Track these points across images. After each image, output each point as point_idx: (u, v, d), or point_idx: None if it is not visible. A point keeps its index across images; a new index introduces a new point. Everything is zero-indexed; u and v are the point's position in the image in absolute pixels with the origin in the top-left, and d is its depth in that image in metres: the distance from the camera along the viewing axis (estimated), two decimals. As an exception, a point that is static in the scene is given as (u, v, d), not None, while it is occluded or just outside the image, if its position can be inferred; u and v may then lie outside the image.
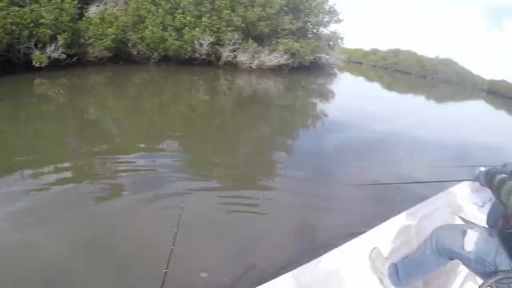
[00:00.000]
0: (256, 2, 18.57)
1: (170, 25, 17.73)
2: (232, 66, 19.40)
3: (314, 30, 23.37)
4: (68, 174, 5.87)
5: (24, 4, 15.92)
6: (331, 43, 24.25)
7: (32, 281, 3.35)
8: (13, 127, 8.60)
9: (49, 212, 4.38)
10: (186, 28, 17.65)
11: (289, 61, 20.24)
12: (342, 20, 23.44)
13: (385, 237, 3.01)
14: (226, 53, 18.73)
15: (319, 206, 5.12)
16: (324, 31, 24.00)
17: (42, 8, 15.91)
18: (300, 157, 7.64)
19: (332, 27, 24.01)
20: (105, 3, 18.20)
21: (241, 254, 3.86)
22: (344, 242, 2.78)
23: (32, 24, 15.43)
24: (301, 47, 20.36)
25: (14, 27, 14.73)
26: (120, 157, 6.58)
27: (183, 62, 18.78)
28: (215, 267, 3.63)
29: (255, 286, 2.20)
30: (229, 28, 18.43)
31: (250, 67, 19.37)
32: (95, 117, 10.53)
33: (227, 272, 3.55)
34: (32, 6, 15.77)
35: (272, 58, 19.51)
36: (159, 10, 17.44)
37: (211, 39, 17.93)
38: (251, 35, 19.61)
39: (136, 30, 17.60)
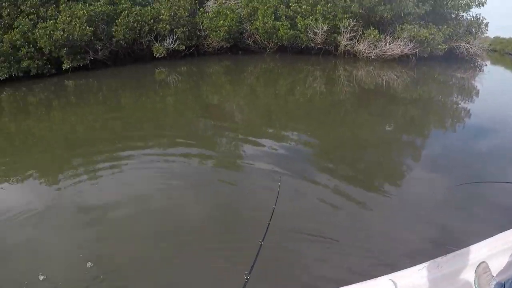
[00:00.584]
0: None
1: (283, 14, 16.92)
2: (351, 56, 17.74)
3: (453, 15, 20.14)
4: (194, 148, 7.11)
5: (146, 3, 16.76)
6: (473, 30, 20.60)
7: (182, 229, 4.35)
8: (140, 106, 10.57)
9: (180, 177, 5.70)
10: (298, 17, 16.63)
11: (415, 50, 17.70)
12: (484, 3, 19.86)
13: (495, 251, 2.72)
14: (343, 42, 17.14)
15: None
16: (465, 16, 20.57)
17: (162, 6, 16.53)
18: (429, 163, 6.23)
19: (474, 11, 20.47)
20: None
21: (331, 242, 3.99)
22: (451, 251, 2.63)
23: (152, 21, 16.12)
24: (431, 34, 17.65)
25: (135, 24, 15.58)
26: (240, 137, 7.67)
27: (300, 51, 17.93)
28: (306, 249, 3.91)
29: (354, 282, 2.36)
30: (346, 15, 16.84)
31: (370, 56, 17.43)
32: (215, 101, 11.44)
33: (320, 255, 3.83)
34: (153, 5, 16.54)
35: (394, 46, 17.23)
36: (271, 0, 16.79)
37: (325, 28, 16.59)
38: (372, 22, 17.71)
39: (251, 21, 17.23)
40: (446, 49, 18.35)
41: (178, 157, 6.61)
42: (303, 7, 17.09)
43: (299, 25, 16.81)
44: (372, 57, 17.32)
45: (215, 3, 17.78)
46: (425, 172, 5.79)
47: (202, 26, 16.74)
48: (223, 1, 17.84)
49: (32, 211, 4.81)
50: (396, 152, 6.98)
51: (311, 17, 16.77)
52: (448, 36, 18.53)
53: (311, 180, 5.44)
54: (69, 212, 4.83)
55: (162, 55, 16.04)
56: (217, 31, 16.60)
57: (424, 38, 17.55)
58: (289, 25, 16.83)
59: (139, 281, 3.68)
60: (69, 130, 8.99)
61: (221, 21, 16.50)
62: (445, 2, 18.87)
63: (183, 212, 4.78)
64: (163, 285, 3.63)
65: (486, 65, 22.01)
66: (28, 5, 15.01)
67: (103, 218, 4.66)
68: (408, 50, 17.52)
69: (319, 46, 17.45)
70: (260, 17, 16.72)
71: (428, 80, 16.63)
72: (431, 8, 18.14)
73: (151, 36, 16.04)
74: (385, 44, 17.22)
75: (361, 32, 17.54)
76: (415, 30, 17.25)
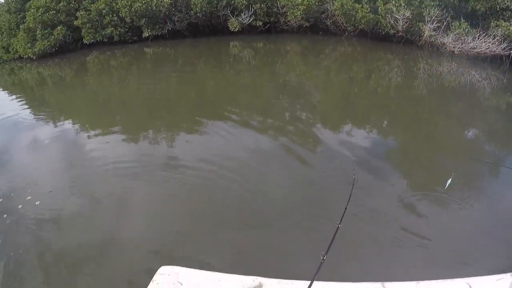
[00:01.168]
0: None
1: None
2: (434, 48, 16.55)
3: None
4: (267, 122, 7.46)
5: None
6: None
7: (259, 203, 4.83)
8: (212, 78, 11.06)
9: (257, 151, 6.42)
10: (379, 0, 15.66)
11: (509, 51, 16.08)
12: None
13: None
14: (427, 32, 16.00)
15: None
16: None
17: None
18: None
19: None
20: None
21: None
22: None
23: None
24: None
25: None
26: (314, 119, 7.84)
27: (381, 38, 17.10)
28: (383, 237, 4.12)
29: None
30: (434, 2, 15.56)
31: (453, 51, 16.16)
32: (287, 81, 11.57)
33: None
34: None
35: (480, 43, 15.74)
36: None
37: (407, 14, 15.52)
38: (464, 14, 16.23)
39: (332, 1, 16.57)
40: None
41: (252, 130, 7.26)
42: (388, -10, 16.01)
43: (380, 9, 15.87)
44: (456, 52, 16.03)
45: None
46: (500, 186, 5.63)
47: (279, 2, 16.41)
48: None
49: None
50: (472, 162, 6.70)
51: (393, 1, 15.72)
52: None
53: (384, 176, 5.69)
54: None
55: (237, 29, 16.14)
56: (294, 9, 16.21)
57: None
58: (369, 9, 15.95)
59: (216, 245, 4.11)
60: (145, 93, 10.12)
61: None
62: None
63: (261, 188, 5.24)
64: (240, 256, 4.06)
65: None
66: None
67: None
68: (500, 49, 15.95)
69: (399, 34, 16.44)
70: (339, -3, 16.00)
71: None
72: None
73: (228, 10, 16.11)
74: (473, 40, 15.78)
75: (448, 24, 16.19)
76: (511, 28, 15.56)
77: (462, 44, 16.04)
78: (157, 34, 16.03)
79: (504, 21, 16.13)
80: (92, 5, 15.08)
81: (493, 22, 16.12)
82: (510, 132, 8.85)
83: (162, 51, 16.42)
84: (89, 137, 7.36)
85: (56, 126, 8.22)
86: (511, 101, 11.98)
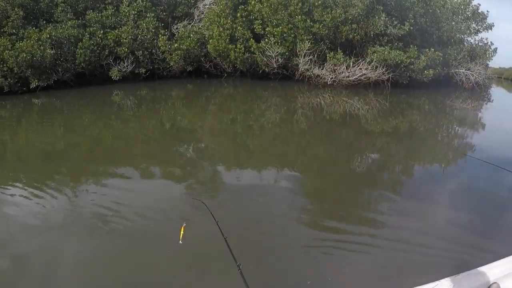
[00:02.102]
0: (338, 2, 15.18)
1: (241, 37, 16.36)
2: (311, 81, 16.32)
3: (452, 40, 17.45)
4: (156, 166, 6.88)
5: (116, 26, 17.63)
6: (478, 55, 17.48)
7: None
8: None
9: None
10: (251, 40, 15.91)
11: (385, 75, 15.60)
12: (492, 26, 16.83)
13: (507, 272, 2.70)
14: (301, 66, 15.90)
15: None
16: (470, 39, 17.85)
17: (124, 29, 17.30)
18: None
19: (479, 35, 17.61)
20: (190, 21, 18.48)
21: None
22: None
23: (113, 44, 16.99)
24: (408, 58, 15.37)
25: (96, 47, 16.56)
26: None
27: (260, 76, 17.09)
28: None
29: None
30: (307, 37, 15.60)
31: (329, 82, 15.84)
32: (165, 125, 11.28)
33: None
34: (121, 28, 17.39)
35: (355, 72, 15.36)
36: (228, 21, 16.33)
37: (278, 50, 15.58)
38: (340, 44, 16.14)
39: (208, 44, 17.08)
40: (432, 76, 15.76)
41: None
42: (267, 29, 16.29)
43: (252, 48, 16.04)
44: (330, 83, 15.63)
45: (184, 26, 17.93)
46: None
47: (159, 49, 17.04)
48: (188, 24, 17.89)
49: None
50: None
51: (266, 39, 15.90)
52: (438, 61, 15.93)
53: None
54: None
55: (117, 78, 16.75)
56: (172, 55, 16.74)
57: (399, 62, 15.38)
58: (243, 49, 16.13)
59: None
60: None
61: (176, 44, 16.60)
62: (439, 24, 16.40)
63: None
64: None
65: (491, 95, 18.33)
66: (10, 26, 17.09)
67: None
68: (376, 75, 15.47)
69: (274, 71, 16.41)
70: (211, 40, 16.39)
71: (403, 108, 14.49)
72: (412, 28, 15.82)
73: (110, 59, 16.91)
74: (346, 69, 15.43)
75: (325, 56, 16.05)
76: (386, 53, 15.18)
77: (336, 74, 15.70)
78: (44, 85, 16.95)
79: (381, 46, 15.81)
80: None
81: (370, 49, 15.84)
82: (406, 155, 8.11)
83: (48, 102, 17.15)
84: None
85: None
86: (399, 122, 11.55)
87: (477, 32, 17.53)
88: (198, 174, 6.71)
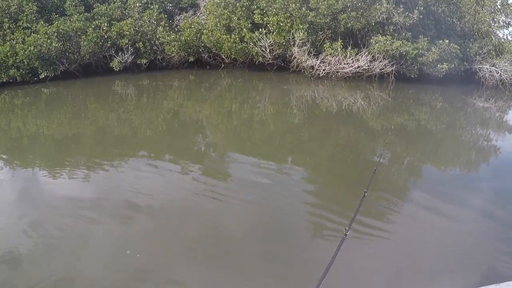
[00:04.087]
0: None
1: (236, 27, 15.74)
2: (307, 72, 15.25)
3: (483, 31, 15.33)
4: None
5: (124, 18, 17.91)
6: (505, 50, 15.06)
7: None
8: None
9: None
10: (244, 29, 15.18)
11: (387, 68, 14.04)
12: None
13: None
14: (298, 57, 14.89)
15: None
16: (497, 33, 15.66)
17: (128, 21, 17.45)
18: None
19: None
20: (196, 11, 18.23)
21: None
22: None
23: (116, 36, 17.25)
24: (414, 49, 13.69)
25: (98, 40, 16.95)
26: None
27: (257, 67, 16.37)
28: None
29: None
30: (303, 26, 14.55)
31: (327, 74, 14.65)
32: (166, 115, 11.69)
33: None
34: (126, 20, 17.61)
35: (351, 62, 14.00)
36: (226, 12, 15.76)
37: (271, 39, 14.71)
38: (341, 34, 14.85)
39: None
40: (446, 70, 13.84)
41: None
42: (265, 18, 15.48)
43: (245, 38, 15.31)
44: (321, 75, 14.41)
45: (187, 17, 17.68)
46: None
47: (157, 40, 16.96)
48: (191, 16, 17.62)
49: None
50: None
51: (260, 29, 15.08)
52: (455, 55, 14.02)
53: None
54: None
55: (118, 68, 17.00)
56: (170, 46, 16.58)
57: (403, 53, 13.77)
58: (238, 39, 15.47)
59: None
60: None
61: (173, 35, 16.40)
62: (460, 15, 14.49)
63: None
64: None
65: None
66: (24, 20, 18.05)
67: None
68: (377, 67, 13.95)
69: (269, 62, 15.53)
70: (205, 30, 15.93)
71: (406, 105, 13.12)
72: (422, 17, 14.06)
73: (112, 50, 17.19)
74: (343, 60, 14.09)
75: (322, 46, 14.84)
76: (387, 43, 13.62)
77: (331, 66, 14.42)
78: (51, 75, 17.69)
79: (383, 35, 14.20)
80: (0, 47, 17.24)
81: (373, 39, 14.31)
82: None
83: (56, 91, 17.99)
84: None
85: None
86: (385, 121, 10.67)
87: (507, 25, 15.27)
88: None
